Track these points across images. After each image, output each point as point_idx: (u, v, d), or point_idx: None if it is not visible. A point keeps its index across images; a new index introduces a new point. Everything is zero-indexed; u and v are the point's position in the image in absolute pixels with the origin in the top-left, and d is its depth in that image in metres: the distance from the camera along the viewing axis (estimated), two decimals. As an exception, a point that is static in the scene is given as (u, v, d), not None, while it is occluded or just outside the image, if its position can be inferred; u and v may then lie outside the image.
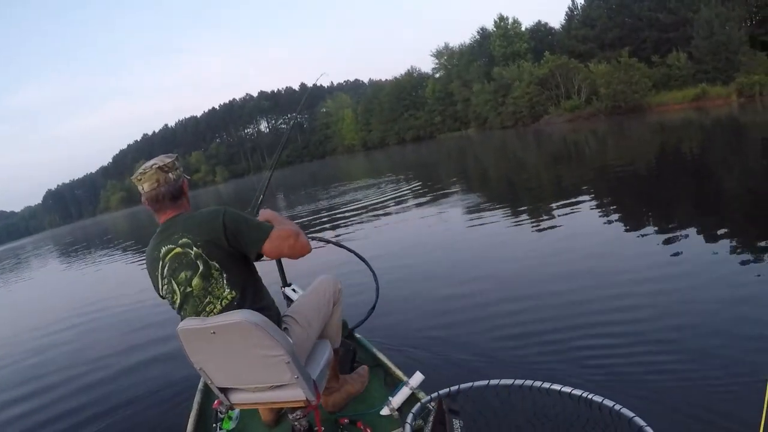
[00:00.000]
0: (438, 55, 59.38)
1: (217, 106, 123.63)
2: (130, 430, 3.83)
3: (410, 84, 65.54)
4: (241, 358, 1.87)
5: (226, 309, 1.92)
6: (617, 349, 3.05)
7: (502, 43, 48.32)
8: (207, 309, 1.95)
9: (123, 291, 10.06)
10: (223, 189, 66.88)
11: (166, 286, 1.99)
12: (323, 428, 2.27)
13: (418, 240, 7.52)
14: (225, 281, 1.97)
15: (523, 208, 8.08)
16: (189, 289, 1.95)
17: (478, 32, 52.53)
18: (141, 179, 2.00)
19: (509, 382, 1.45)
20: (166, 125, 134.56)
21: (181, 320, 1.94)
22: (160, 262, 1.96)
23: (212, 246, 1.93)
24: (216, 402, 2.72)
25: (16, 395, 5.59)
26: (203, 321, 1.83)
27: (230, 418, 2.74)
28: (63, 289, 14.89)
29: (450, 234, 7.38)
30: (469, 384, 1.98)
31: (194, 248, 1.93)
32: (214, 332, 1.79)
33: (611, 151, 14.89)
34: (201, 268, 1.94)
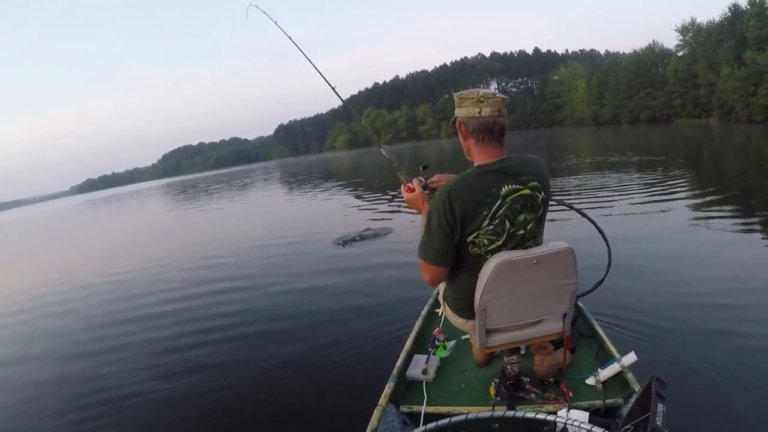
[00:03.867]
0: (683, 30, 53.58)
1: (448, 63, 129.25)
2: (352, 340, 4.65)
3: (650, 60, 61.19)
4: (538, 289, 2.03)
5: None
6: None
7: (756, 24, 41.11)
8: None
9: (346, 221, 12.03)
10: (446, 144, 67.20)
11: (493, 226, 1.93)
12: (529, 378, 2.49)
13: (645, 227, 7.50)
14: (543, 228, 2.10)
15: (759, 218, 7.45)
16: (521, 232, 1.98)
17: (729, 9, 45.52)
18: (483, 102, 1.91)
19: None
20: (397, 76, 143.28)
21: (481, 258, 2.00)
22: (498, 201, 1.90)
23: (548, 194, 2.04)
24: (436, 330, 3.07)
25: (253, 274, 7.99)
26: (527, 252, 1.95)
27: (445, 347, 2.98)
28: (285, 210, 18.04)
29: (677, 231, 7.18)
30: None
31: (542, 193, 1.98)
32: (536, 262, 1.92)
33: None
34: (540, 212, 2.02)
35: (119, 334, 6.04)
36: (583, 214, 2.99)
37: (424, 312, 3.53)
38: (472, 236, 1.95)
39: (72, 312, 7.69)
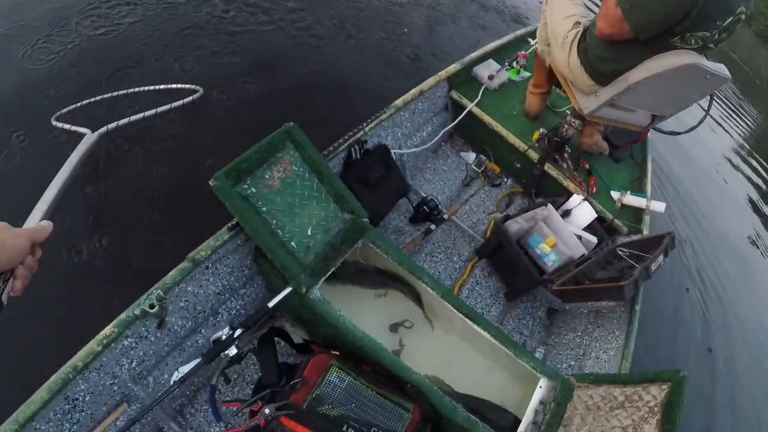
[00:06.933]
0: None
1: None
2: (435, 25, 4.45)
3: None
4: (677, 95, 2.05)
5: None
6: None
7: None
8: None
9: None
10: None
11: (710, 34, 1.81)
12: (570, 151, 2.53)
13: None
14: None
15: None
16: (711, 47, 1.87)
17: None
18: None
19: None
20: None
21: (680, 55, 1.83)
22: (731, 17, 1.78)
23: None
24: (522, 53, 3.02)
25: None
26: (713, 65, 1.88)
27: (518, 72, 2.96)
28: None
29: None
30: None
31: (740, 23, 1.85)
32: (708, 77, 1.88)
33: None
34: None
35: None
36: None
37: (519, 32, 3.28)
38: (693, 33, 1.79)
39: None
